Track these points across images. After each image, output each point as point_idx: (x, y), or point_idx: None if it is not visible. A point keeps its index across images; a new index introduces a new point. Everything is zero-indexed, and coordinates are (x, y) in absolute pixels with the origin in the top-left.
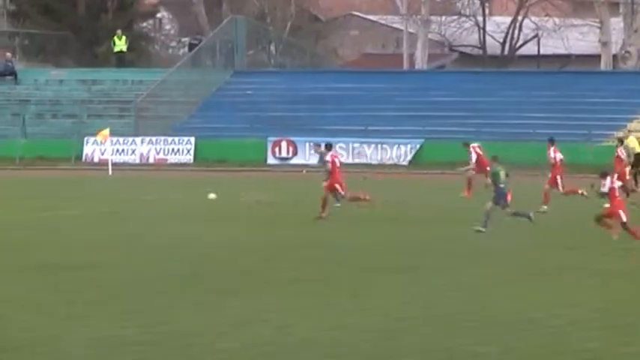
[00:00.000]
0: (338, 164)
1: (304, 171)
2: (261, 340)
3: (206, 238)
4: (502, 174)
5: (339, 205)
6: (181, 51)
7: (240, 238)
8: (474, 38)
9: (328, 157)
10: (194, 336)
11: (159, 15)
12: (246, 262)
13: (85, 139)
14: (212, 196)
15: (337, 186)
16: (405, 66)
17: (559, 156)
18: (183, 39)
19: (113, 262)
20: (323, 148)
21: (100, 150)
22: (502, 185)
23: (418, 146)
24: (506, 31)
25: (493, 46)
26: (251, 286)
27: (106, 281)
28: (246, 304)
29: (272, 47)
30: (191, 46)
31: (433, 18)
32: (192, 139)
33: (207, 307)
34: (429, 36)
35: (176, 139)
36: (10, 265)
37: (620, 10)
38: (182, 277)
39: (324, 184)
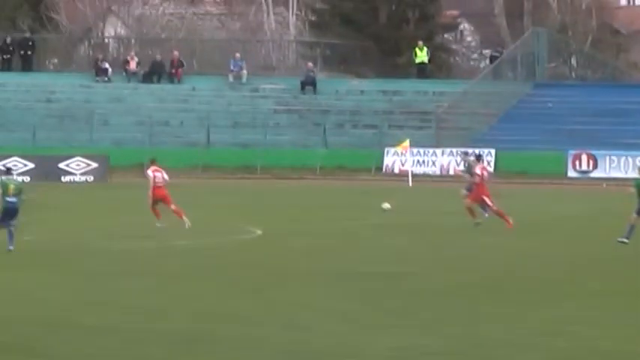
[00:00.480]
0: (486, 177)
1: (604, 185)
2: (564, 353)
3: (505, 248)
4: None
5: (487, 215)
6: (482, 63)
7: (541, 250)
8: None
9: (478, 170)
10: (496, 347)
11: (460, 27)
12: (546, 274)
13: (386, 149)
14: (386, 206)
15: (485, 198)
16: None
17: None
18: (485, 51)
19: (413, 272)
20: (473, 157)
21: (401, 161)
22: None
23: None
24: None
25: None
26: (551, 297)
27: (407, 290)
28: (547, 315)
29: (573, 60)
30: (492, 59)
31: None
32: (493, 151)
33: (506, 317)
34: None
35: (477, 150)
36: (313, 272)
37: None
38: (481, 287)
39: (464, 192)
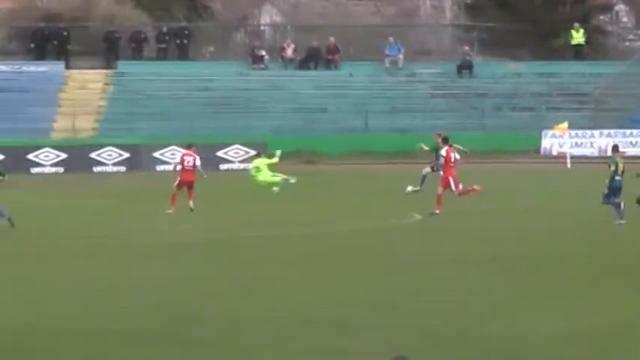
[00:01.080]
0: (452, 159)
1: None
2: None
3: None
4: None
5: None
6: (638, 43)
7: None
8: None
9: (443, 152)
10: None
11: (615, 8)
12: None
13: (543, 132)
14: (410, 188)
15: (450, 180)
16: None
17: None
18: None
19: (571, 254)
20: (440, 138)
21: (559, 143)
22: None
23: None
24: None
25: None
26: None
27: (564, 273)
28: None
29: None
30: None
31: None
32: None
33: None
34: None
35: (634, 131)
36: (466, 257)
37: None
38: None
39: (427, 170)
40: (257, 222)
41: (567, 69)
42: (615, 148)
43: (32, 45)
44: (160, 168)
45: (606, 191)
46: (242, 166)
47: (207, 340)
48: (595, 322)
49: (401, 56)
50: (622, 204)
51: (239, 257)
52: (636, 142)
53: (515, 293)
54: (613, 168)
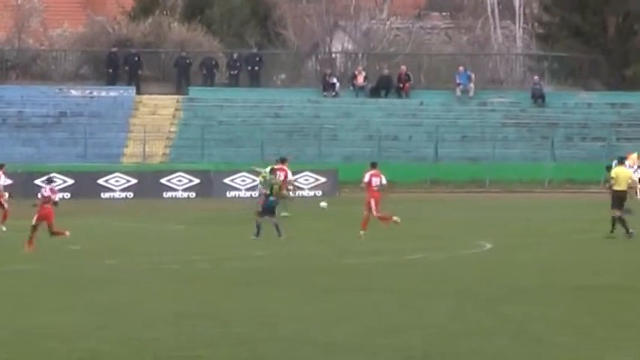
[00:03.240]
0: (375, 183)
1: None
2: None
3: None
4: None
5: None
6: None
7: None
8: None
9: (366, 177)
10: None
11: None
12: None
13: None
14: (323, 204)
15: (371, 203)
16: None
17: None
18: None
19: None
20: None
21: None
22: None
23: None
24: None
25: None
26: None
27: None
28: None
29: None
30: None
31: None
32: None
33: None
34: None
35: None
36: (544, 285)
37: None
38: None
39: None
40: (334, 250)
41: (639, 99)
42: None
43: (105, 70)
44: (230, 194)
45: None
46: (312, 193)
47: None
48: None
49: (472, 85)
50: None
51: (321, 285)
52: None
53: (601, 325)
54: None
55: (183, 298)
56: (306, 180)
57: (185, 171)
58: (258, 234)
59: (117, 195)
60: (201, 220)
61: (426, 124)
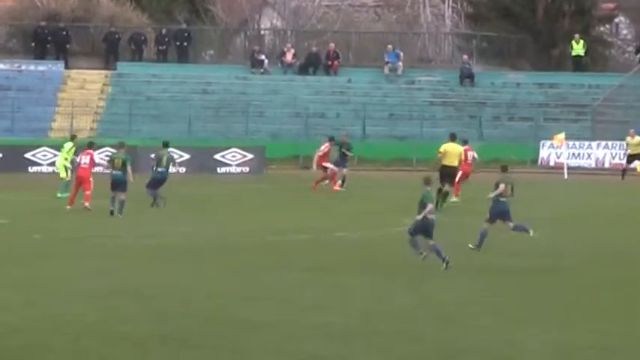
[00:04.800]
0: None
1: None
2: None
3: None
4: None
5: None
6: (638, 56)
7: None
8: None
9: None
10: None
11: (616, 20)
12: None
13: (541, 142)
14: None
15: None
16: None
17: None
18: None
19: (565, 266)
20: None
21: (556, 154)
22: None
23: None
24: None
25: None
26: None
27: (557, 285)
28: None
29: None
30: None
31: None
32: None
33: None
34: None
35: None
36: (470, 267)
37: None
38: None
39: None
40: (257, 227)
41: (566, 80)
42: (504, 168)
43: (32, 44)
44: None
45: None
46: (239, 169)
47: (213, 344)
48: (594, 337)
49: (400, 64)
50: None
51: (242, 262)
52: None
53: (517, 305)
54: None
55: (107, 274)
56: (233, 157)
57: (112, 146)
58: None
59: (44, 169)
60: (128, 196)
61: (353, 102)
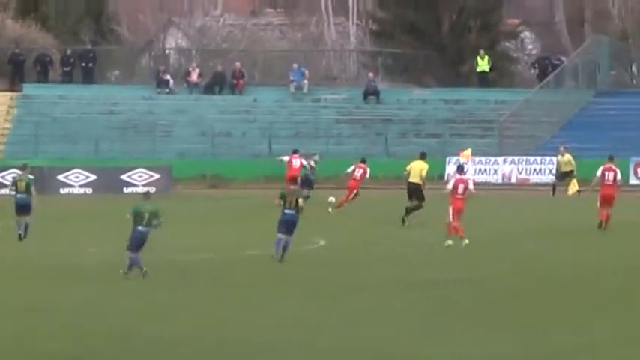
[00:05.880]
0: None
1: None
2: None
3: (565, 256)
4: None
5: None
6: (536, 70)
7: (598, 258)
8: None
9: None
10: (568, 353)
11: (521, 35)
12: (608, 282)
13: (448, 158)
14: (332, 199)
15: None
16: None
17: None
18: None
19: (479, 279)
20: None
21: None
22: None
23: None
24: None
25: None
26: (621, 305)
27: (474, 297)
28: (619, 322)
29: (634, 67)
30: (541, 67)
31: None
32: (555, 159)
33: (575, 324)
34: None
35: (538, 158)
36: (379, 281)
37: None
38: (547, 293)
39: None
40: (166, 246)
41: (473, 96)
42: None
43: None
44: (63, 191)
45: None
46: (146, 189)
47: None
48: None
49: (306, 82)
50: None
51: (153, 280)
52: (540, 170)
53: (424, 318)
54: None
55: (22, 291)
56: (140, 177)
57: (17, 167)
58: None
59: None
60: (37, 217)
61: (259, 121)
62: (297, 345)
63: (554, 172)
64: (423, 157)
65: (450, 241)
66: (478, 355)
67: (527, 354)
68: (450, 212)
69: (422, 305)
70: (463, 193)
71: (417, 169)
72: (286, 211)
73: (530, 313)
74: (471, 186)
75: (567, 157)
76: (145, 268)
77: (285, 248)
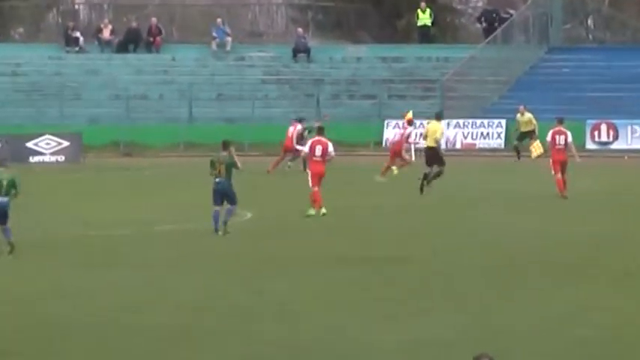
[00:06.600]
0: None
1: (626, 157)
2: (583, 342)
3: (518, 228)
4: None
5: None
6: (483, 25)
7: (554, 229)
8: None
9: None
10: (511, 335)
11: None
12: (565, 256)
13: (386, 122)
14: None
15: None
16: None
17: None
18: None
19: (418, 256)
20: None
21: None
22: None
23: None
24: None
25: None
26: (571, 281)
27: (413, 276)
28: (568, 301)
29: (590, 21)
30: (488, 21)
31: None
32: (504, 122)
33: (523, 303)
34: None
35: (485, 121)
36: (309, 258)
37: None
38: (493, 270)
39: None
40: (78, 221)
41: (413, 53)
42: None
43: None
44: None
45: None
46: (54, 158)
47: (28, 348)
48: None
49: (229, 39)
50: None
51: (62, 259)
52: (488, 134)
53: (365, 300)
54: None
55: None
56: (47, 144)
57: None
58: None
59: None
60: None
61: (178, 82)
62: (217, 332)
63: (515, 133)
64: (438, 117)
65: (312, 211)
66: (424, 340)
67: (475, 336)
68: (310, 177)
69: (359, 285)
70: (322, 156)
71: (432, 132)
72: (217, 179)
73: (481, 291)
74: (330, 149)
75: (528, 115)
76: (11, 245)
77: (227, 215)
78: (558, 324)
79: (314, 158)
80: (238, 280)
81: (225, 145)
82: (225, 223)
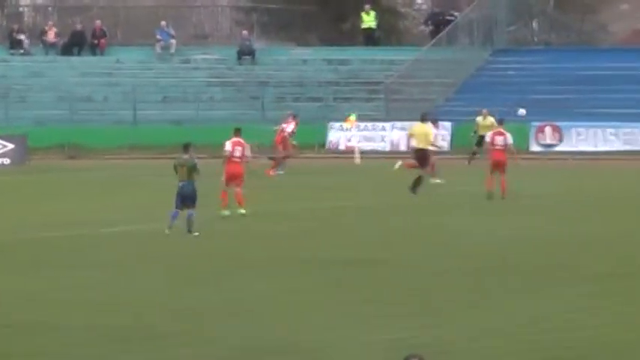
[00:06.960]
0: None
1: (571, 159)
2: (555, 344)
3: (476, 231)
4: None
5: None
6: (429, 28)
7: (515, 232)
8: None
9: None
10: (484, 337)
11: None
12: (534, 259)
13: (330, 124)
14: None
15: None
16: None
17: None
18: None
19: (393, 258)
20: None
21: (346, 137)
22: None
23: None
24: None
25: None
26: (544, 283)
27: (386, 279)
28: (543, 303)
29: (535, 23)
30: (435, 24)
31: None
32: (449, 124)
33: (494, 305)
34: None
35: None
36: (271, 259)
37: None
38: (459, 272)
39: None
40: (26, 223)
41: (358, 55)
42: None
43: None
44: None
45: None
46: (0, 161)
47: None
48: (419, 334)
49: (173, 41)
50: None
51: (17, 261)
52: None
53: (335, 301)
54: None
55: None
56: None
57: None
58: None
59: None
60: None
61: (123, 84)
62: (172, 333)
63: (474, 136)
64: (424, 118)
65: (226, 212)
66: (393, 341)
67: (434, 339)
68: (224, 177)
69: (331, 286)
70: (241, 158)
71: (422, 134)
72: (180, 183)
73: (439, 295)
74: (247, 152)
75: (490, 119)
76: None
77: (190, 222)
78: (533, 326)
79: (233, 159)
80: (197, 279)
81: (187, 148)
82: (190, 231)
